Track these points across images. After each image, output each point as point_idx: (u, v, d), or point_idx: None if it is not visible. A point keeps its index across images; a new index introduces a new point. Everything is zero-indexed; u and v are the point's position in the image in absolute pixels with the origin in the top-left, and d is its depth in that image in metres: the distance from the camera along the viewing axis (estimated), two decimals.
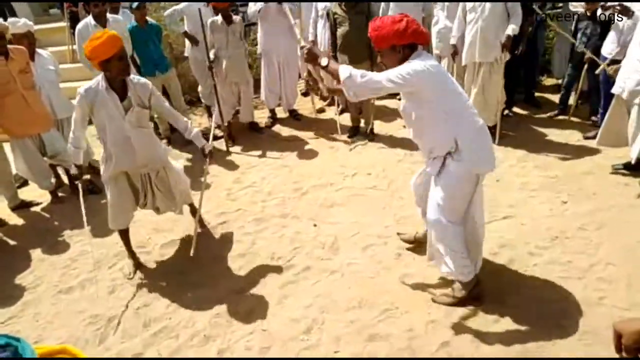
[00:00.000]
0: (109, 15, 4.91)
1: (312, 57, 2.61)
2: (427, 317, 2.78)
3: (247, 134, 5.78)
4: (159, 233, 3.92)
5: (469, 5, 4.67)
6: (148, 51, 5.12)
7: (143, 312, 3.06)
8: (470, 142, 2.52)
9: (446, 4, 5.09)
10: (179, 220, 4.06)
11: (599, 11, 4.54)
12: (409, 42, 2.47)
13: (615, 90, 3.93)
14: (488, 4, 4.53)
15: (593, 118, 5.11)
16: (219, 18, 5.17)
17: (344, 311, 2.91)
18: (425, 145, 2.70)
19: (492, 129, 4.95)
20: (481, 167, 2.60)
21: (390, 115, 5.92)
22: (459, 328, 2.67)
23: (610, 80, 4.27)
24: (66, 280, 3.45)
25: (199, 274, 3.40)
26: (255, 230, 3.85)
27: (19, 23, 4.30)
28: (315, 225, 3.83)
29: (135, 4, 4.97)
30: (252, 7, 5.44)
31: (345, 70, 2.45)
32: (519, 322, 2.67)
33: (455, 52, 4.99)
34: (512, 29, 4.51)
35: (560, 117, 5.42)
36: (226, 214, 4.11)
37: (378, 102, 5.85)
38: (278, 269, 3.36)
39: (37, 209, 4.46)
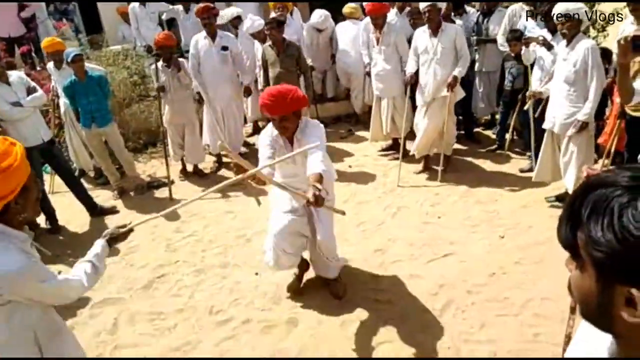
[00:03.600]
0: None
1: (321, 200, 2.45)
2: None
3: (191, 179, 5.67)
4: (90, 292, 3.70)
5: (421, 47, 4.86)
6: (87, 103, 4.98)
7: None
8: None
9: (382, 47, 5.27)
10: (114, 275, 3.87)
11: (523, 50, 4.80)
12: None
13: (546, 125, 4.12)
14: (440, 47, 4.73)
15: (528, 153, 5.32)
16: (160, 62, 5.18)
17: None
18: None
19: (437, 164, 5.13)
20: None
21: (342, 154, 5.98)
22: None
23: (536, 116, 4.49)
24: None
25: (132, 332, 3.21)
26: (194, 283, 3.70)
27: None
28: (257, 274, 3.72)
29: (70, 57, 4.83)
30: (191, 60, 5.49)
31: (319, 170, 2.57)
32: None
33: (410, 82, 5.08)
34: (458, 70, 4.74)
35: (498, 151, 5.61)
36: (164, 266, 3.95)
37: None
38: (216, 324, 3.21)
39: None
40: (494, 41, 5.47)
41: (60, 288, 1.82)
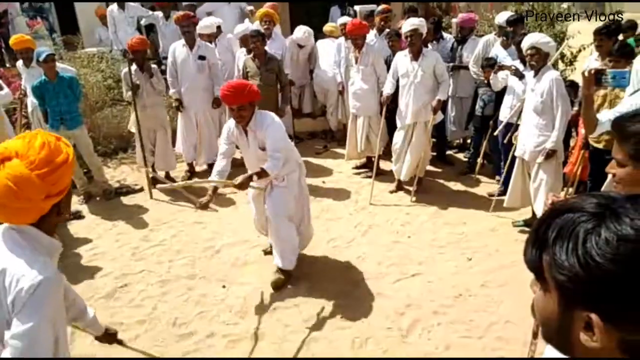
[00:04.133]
0: None
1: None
2: None
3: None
4: None
5: (402, 70, 4.94)
6: (57, 105, 4.84)
7: None
8: None
9: (361, 67, 5.35)
10: (76, 283, 3.73)
11: (492, 76, 4.93)
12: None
13: (517, 153, 4.25)
14: (420, 71, 4.82)
15: (497, 177, 5.45)
16: (134, 66, 5.13)
17: None
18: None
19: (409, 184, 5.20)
20: None
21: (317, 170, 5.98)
22: None
23: (506, 142, 4.62)
24: None
25: (90, 343, 3.08)
26: (158, 294, 3.60)
27: None
28: (224, 287, 3.66)
29: (42, 57, 4.69)
30: (169, 68, 5.48)
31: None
32: None
33: (386, 103, 5.13)
34: (442, 94, 4.86)
35: (469, 174, 5.73)
36: (128, 275, 3.84)
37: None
38: (179, 337, 3.13)
39: None
40: (467, 68, 5.65)
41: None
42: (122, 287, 3.69)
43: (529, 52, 3.92)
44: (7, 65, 6.37)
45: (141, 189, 5.48)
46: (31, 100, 5.36)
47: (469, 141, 6.26)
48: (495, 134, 4.85)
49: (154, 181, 5.27)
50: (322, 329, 3.15)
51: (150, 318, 3.33)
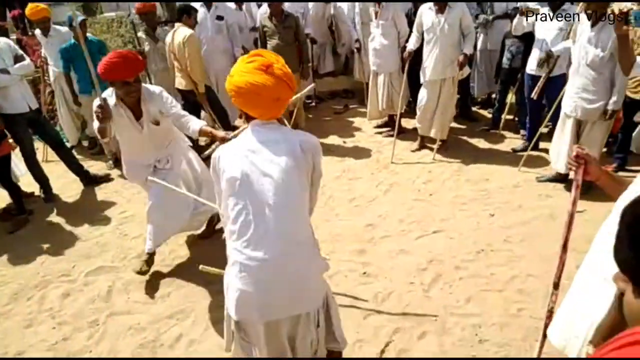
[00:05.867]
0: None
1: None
2: (355, 336, 2.77)
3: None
4: (86, 259, 3.75)
5: (427, 24, 4.77)
6: (87, 69, 4.90)
7: (61, 347, 2.91)
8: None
9: (381, 21, 5.21)
10: (109, 244, 3.92)
11: (516, 19, 4.72)
12: None
13: (567, 110, 3.94)
14: (446, 25, 4.65)
15: (522, 132, 5.34)
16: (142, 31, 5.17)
17: None
18: None
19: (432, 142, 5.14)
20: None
21: (338, 130, 5.97)
22: (384, 345, 2.69)
23: (534, 97, 4.49)
24: None
25: (126, 300, 3.27)
26: (186, 254, 3.75)
27: None
28: None
29: (77, 22, 4.72)
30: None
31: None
32: (441, 336, 2.72)
33: (408, 59, 4.98)
34: (468, 48, 4.69)
35: (493, 130, 5.63)
36: None
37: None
38: (209, 293, 3.28)
39: None
40: (504, 16, 5.40)
41: None
42: None
43: None
44: (29, 33, 6.43)
45: None
46: (52, 69, 5.45)
47: (493, 96, 6.11)
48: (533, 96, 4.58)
49: None
50: (345, 285, 3.24)
51: (181, 277, 3.48)
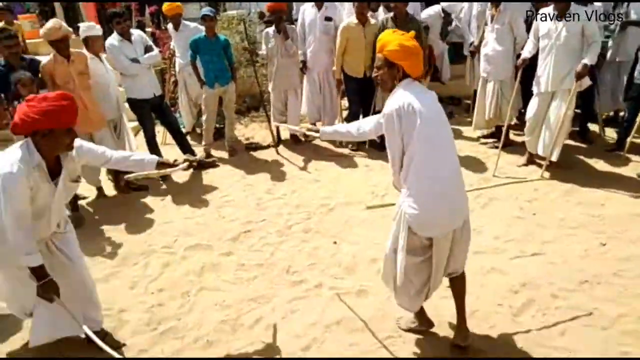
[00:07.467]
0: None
1: None
2: (430, 349, 2.67)
3: (286, 144, 5.93)
4: (186, 236, 4.07)
5: (543, 30, 4.42)
6: (210, 62, 5.35)
7: (156, 311, 3.18)
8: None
9: (496, 26, 4.94)
10: (208, 224, 4.21)
11: None
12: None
13: None
14: (564, 32, 4.27)
15: None
16: (271, 29, 5.39)
17: (347, 333, 2.87)
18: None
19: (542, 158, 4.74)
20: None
21: None
22: None
23: None
24: (92, 273, 3.65)
25: (215, 278, 3.49)
26: (276, 242, 3.89)
27: (94, 28, 4.58)
28: (335, 243, 3.81)
29: (202, 14, 5.21)
30: (299, 29, 5.63)
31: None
32: None
33: (522, 66, 4.66)
34: (590, 57, 4.22)
35: (616, 152, 5.05)
36: (252, 223, 4.20)
37: None
38: (291, 283, 3.38)
39: (82, 202, 4.77)
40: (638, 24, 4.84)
41: None
42: (246, 233, 4.05)
43: None
44: (163, 27, 7.13)
45: (267, 146, 5.88)
46: (179, 61, 5.99)
47: (621, 114, 5.48)
48: None
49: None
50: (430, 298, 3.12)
51: (267, 263, 3.63)
